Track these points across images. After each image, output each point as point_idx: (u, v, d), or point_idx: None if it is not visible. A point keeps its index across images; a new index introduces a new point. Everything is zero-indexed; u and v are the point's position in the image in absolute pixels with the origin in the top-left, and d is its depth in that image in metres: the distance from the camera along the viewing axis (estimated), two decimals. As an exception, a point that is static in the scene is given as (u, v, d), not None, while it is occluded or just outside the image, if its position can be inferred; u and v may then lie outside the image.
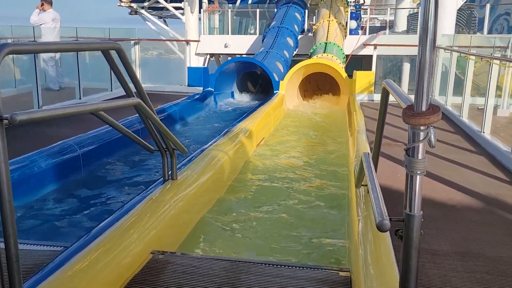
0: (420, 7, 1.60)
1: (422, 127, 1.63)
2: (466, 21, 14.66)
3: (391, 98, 2.46)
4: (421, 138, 1.63)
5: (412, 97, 1.75)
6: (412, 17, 15.22)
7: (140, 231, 2.98)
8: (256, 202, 4.48)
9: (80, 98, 8.67)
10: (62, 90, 9.51)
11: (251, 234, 3.77)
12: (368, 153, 2.89)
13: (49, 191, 4.46)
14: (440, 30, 10.05)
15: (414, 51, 11.87)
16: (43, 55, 9.14)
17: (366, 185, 3.24)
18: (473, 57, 7.10)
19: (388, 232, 2.66)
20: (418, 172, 1.67)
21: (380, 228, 1.71)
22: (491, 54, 6.25)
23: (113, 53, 2.72)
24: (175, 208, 3.44)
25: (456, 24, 12.21)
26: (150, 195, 3.40)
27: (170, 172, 3.73)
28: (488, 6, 14.48)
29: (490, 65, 5.96)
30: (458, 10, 12.85)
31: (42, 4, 9.27)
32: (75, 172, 4.92)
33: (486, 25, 14.53)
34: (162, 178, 3.75)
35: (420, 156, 1.66)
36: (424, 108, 1.61)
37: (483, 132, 6.01)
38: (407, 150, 1.68)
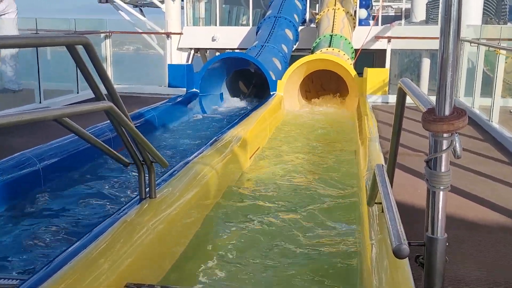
0: (441, -7, 1.62)
1: (445, 135, 1.64)
2: (495, 9, 14.83)
3: (409, 100, 2.47)
4: (444, 147, 1.64)
5: (433, 98, 1.76)
6: (432, 5, 15.38)
7: (112, 260, 2.96)
8: (250, 225, 4.46)
9: (40, 102, 8.66)
10: (19, 92, 9.49)
11: (244, 262, 3.76)
12: (382, 165, 2.90)
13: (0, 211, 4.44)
14: (465, 20, 10.16)
15: (434, 44, 12.03)
16: (2, 52, 9.14)
17: (380, 203, 3.25)
18: (504, 52, 7.17)
19: (407, 258, 2.67)
20: (442, 187, 1.67)
21: (398, 254, 1.71)
22: (525, 47, 6.34)
23: (80, 49, 2.72)
24: (154, 232, 3.42)
25: (483, 13, 12.35)
26: (124, 217, 3.38)
27: (147, 189, 3.72)
28: (520, -8, 14.65)
29: (523, 60, 6.02)
30: (485, -4, 13.00)
31: (-3, -9, 9.29)
32: (33, 189, 4.89)
33: (519, 14, 14.69)
34: (138, 197, 3.74)
35: (443, 169, 1.67)
36: (447, 112, 1.63)
37: (517, 139, 6.06)
38: (428, 161, 1.69)
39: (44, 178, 5.04)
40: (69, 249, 2.98)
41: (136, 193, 3.81)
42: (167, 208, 3.77)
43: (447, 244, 1.76)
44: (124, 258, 3.07)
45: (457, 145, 1.64)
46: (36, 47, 8.32)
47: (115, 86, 3.16)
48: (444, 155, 1.66)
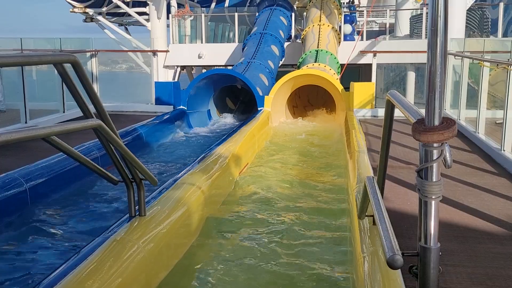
0: (428, 4, 1.65)
1: (435, 144, 1.66)
2: (478, 22, 15.11)
3: (397, 113, 2.50)
4: (435, 157, 1.66)
5: (422, 110, 1.79)
6: (415, 19, 15.63)
7: (101, 281, 2.93)
8: (240, 241, 4.44)
9: (26, 122, 8.60)
10: (4, 113, 9.43)
11: (234, 279, 3.73)
12: (373, 177, 2.91)
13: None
14: (449, 34, 10.31)
15: (419, 58, 12.23)
16: None
17: (371, 216, 3.26)
18: (488, 64, 7.28)
19: (399, 270, 2.67)
20: (433, 196, 1.69)
21: (392, 264, 1.72)
22: (508, 59, 6.42)
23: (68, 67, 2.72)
24: (144, 250, 3.39)
25: (466, 26, 12.57)
26: (113, 236, 3.35)
27: (137, 207, 3.69)
28: (501, 6, 14.95)
29: (508, 72, 6.12)
30: (467, 10, 13.26)
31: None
32: (20, 210, 4.83)
33: (501, 27, 14.98)
34: (127, 215, 3.71)
35: (434, 178, 1.68)
36: (437, 122, 1.65)
37: (504, 150, 6.13)
38: (420, 171, 1.71)
39: (31, 198, 4.98)
40: (58, 270, 2.94)
41: (125, 211, 3.78)
42: (157, 226, 3.74)
43: (440, 253, 1.76)
44: (114, 278, 3.03)
45: (448, 154, 1.66)
46: (22, 67, 8.31)
47: (103, 104, 3.15)
48: (435, 165, 1.68)
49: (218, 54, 14.07)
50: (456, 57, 9.37)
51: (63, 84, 2.79)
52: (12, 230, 4.55)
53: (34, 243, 4.32)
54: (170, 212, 4.03)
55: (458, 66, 9.19)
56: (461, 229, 4.01)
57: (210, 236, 4.48)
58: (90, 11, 17.32)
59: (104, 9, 17.05)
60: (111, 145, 3.22)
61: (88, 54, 11.17)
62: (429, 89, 1.66)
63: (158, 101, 10.92)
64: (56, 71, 2.70)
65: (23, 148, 6.60)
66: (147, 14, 14.62)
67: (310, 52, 11.73)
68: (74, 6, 17.20)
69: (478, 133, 7.36)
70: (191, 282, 3.67)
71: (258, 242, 4.39)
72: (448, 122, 1.64)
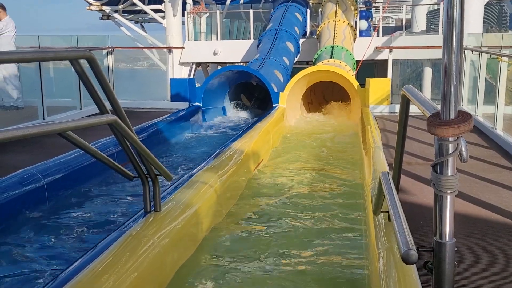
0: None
1: (451, 138, 1.64)
2: (497, 18, 14.90)
3: (415, 109, 2.48)
4: (450, 151, 1.64)
5: (438, 105, 1.76)
6: (432, 15, 15.47)
7: (117, 275, 2.95)
8: (256, 236, 4.45)
9: (43, 118, 8.69)
10: (22, 110, 9.54)
11: (247, 274, 3.74)
12: (388, 172, 2.89)
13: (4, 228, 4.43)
14: (466, 29, 10.19)
15: (436, 54, 12.10)
16: (4, 72, 9.22)
17: (387, 212, 3.24)
18: (506, 59, 7.18)
19: (415, 266, 2.65)
20: (449, 191, 1.67)
21: (406, 259, 1.70)
22: (527, 54, 6.35)
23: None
24: (159, 245, 3.42)
25: (484, 21, 12.40)
26: (129, 231, 3.38)
27: (152, 203, 3.72)
28: (520, 0, 14.71)
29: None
30: (485, 5, 13.07)
31: (-3, 11, 9.39)
32: (38, 206, 4.89)
33: (520, 22, 14.75)
34: (143, 210, 3.73)
35: (450, 172, 1.66)
36: (452, 116, 1.63)
37: (522, 146, 6.05)
38: (435, 165, 1.69)
39: (48, 194, 5.04)
40: (74, 264, 2.97)
41: (141, 207, 3.81)
42: (172, 221, 3.76)
43: (455, 249, 1.74)
44: (130, 272, 3.05)
45: (463, 148, 1.63)
46: (40, 63, 8.40)
47: (119, 100, 3.17)
48: (450, 159, 1.66)
49: (233, 51, 14.07)
50: (473, 52, 9.25)
51: (80, 81, 2.81)
52: (28, 226, 4.60)
53: (50, 237, 4.37)
54: (185, 208, 4.05)
55: (476, 61, 9.08)
56: (478, 225, 3.96)
57: (225, 232, 4.49)
58: (107, 8, 17.47)
59: (120, 6, 17.19)
60: (127, 141, 3.24)
61: (105, 51, 11.25)
62: (444, 82, 1.64)
63: (174, 98, 10.97)
64: (73, 69, 2.73)
65: (40, 144, 6.68)
66: (163, 12, 14.69)
67: (325, 48, 11.67)
68: (90, 4, 17.36)
69: (496, 129, 7.27)
70: (205, 277, 3.68)
71: (274, 237, 4.40)
72: (464, 116, 1.62)
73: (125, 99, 11.33)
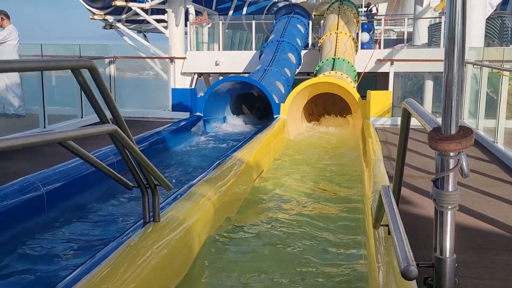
0: (446, 12, 1.63)
1: (452, 153, 1.63)
2: (498, 31, 14.96)
3: (414, 121, 2.47)
4: (451, 167, 1.63)
5: (439, 119, 1.76)
6: (434, 28, 15.53)
7: (115, 285, 2.93)
8: (255, 247, 4.43)
9: (45, 127, 8.70)
10: (23, 118, 9.55)
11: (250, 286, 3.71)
12: (388, 186, 2.88)
13: (3, 238, 4.41)
14: (468, 43, 10.22)
15: (437, 67, 12.14)
16: (6, 80, 9.24)
17: (387, 225, 3.22)
18: (508, 73, 7.19)
19: (415, 281, 2.63)
20: (449, 206, 1.66)
21: (406, 275, 1.69)
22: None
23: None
24: (158, 256, 3.40)
25: (485, 35, 12.44)
26: (127, 241, 3.36)
27: (151, 213, 3.70)
28: (522, 14, 14.79)
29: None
30: (487, 19, 13.13)
31: (2, 19, 9.42)
32: (37, 214, 4.87)
33: (521, 36, 14.81)
34: (141, 220, 3.72)
35: (450, 188, 1.65)
36: (453, 131, 1.62)
37: (523, 161, 6.04)
38: (435, 181, 1.68)
39: (48, 203, 5.02)
40: (73, 274, 2.95)
41: (140, 217, 3.79)
42: (171, 231, 3.75)
43: (456, 265, 1.73)
44: (128, 283, 3.03)
45: (464, 164, 1.63)
46: (42, 72, 8.42)
47: (119, 110, 3.17)
48: (451, 174, 1.65)
49: (235, 62, 14.12)
50: (475, 66, 9.27)
51: (81, 90, 2.80)
52: (27, 235, 4.58)
53: (49, 247, 4.35)
54: (184, 218, 4.03)
55: (477, 75, 9.10)
56: (479, 240, 3.94)
57: (224, 243, 4.46)
58: (110, 18, 17.54)
59: (123, 16, 17.25)
60: (127, 151, 3.24)
61: (107, 60, 11.29)
62: (446, 97, 1.64)
63: (175, 108, 10.98)
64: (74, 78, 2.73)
65: (41, 153, 6.67)
66: (166, 22, 14.75)
67: (327, 60, 11.71)
68: (94, 13, 17.44)
69: (497, 143, 7.26)
70: (205, 284, 3.66)
71: (273, 250, 4.37)
72: (465, 131, 1.61)
73: (128, 108, 11.36)
